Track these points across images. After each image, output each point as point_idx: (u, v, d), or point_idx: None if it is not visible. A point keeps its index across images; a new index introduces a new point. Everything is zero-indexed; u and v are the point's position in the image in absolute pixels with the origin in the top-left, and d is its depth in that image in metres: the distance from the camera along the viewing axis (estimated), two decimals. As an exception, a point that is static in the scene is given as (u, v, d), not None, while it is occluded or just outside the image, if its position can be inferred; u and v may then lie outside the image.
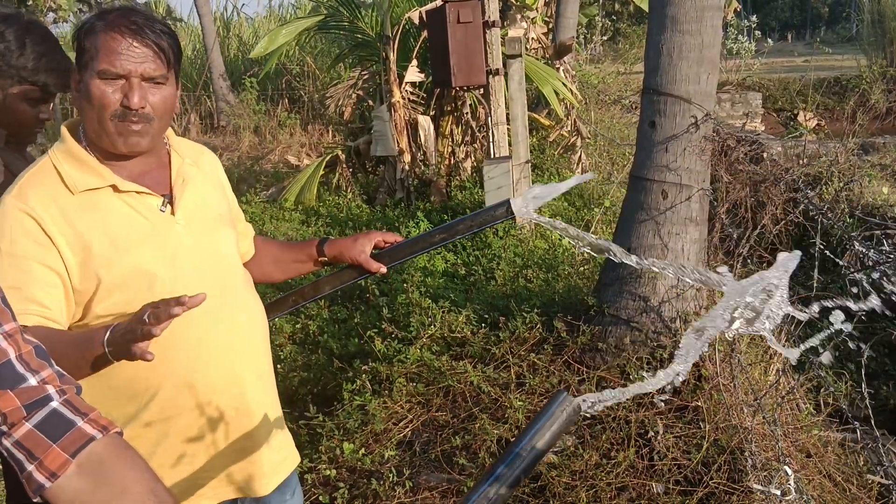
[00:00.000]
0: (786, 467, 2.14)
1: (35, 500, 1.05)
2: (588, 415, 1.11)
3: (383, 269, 1.94)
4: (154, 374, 1.58)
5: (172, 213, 1.65)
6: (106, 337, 1.39)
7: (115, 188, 1.60)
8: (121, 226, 1.58)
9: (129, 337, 1.35)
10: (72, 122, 1.68)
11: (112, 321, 1.49)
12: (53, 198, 1.55)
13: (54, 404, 1.06)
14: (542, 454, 1.18)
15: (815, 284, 2.35)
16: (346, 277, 2.01)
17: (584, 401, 1.11)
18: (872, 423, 2.31)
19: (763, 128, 12.01)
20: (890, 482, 2.49)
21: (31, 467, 1.03)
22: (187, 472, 1.65)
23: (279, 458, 1.81)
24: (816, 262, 2.37)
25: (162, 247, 1.62)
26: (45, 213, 1.53)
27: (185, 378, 1.62)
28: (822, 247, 2.11)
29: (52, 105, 2.07)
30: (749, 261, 2.73)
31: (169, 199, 1.66)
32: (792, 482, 2.19)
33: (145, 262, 1.58)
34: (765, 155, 4.67)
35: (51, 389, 1.07)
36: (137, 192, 1.62)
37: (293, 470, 1.89)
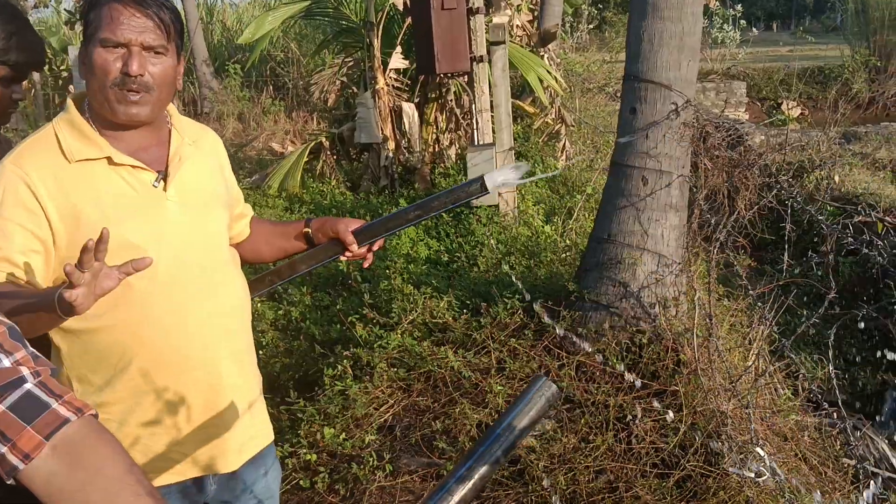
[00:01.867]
0: (758, 449, 2.17)
1: (8, 483, 1.04)
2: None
3: (356, 247, 1.95)
4: (132, 341, 1.63)
5: (165, 189, 1.68)
6: (57, 293, 1.42)
7: (110, 160, 1.63)
8: (112, 197, 1.62)
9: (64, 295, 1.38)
10: (78, 95, 1.71)
11: None
12: (50, 165, 1.59)
13: (28, 386, 1.06)
14: (522, 434, 1.19)
15: (784, 268, 2.37)
16: (322, 256, 2.01)
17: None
18: (841, 405, 2.34)
19: (747, 116, 12.07)
20: (859, 464, 2.53)
21: (4, 449, 1.02)
22: (158, 444, 1.68)
23: (248, 436, 1.82)
24: (787, 247, 2.39)
25: (150, 221, 1.65)
26: (39, 181, 1.57)
27: (161, 351, 1.65)
28: (792, 230, 2.14)
29: (27, 85, 2.05)
30: (726, 246, 2.76)
31: (163, 176, 1.69)
32: (767, 462, 2.22)
33: (132, 235, 1.61)
34: (748, 142, 4.71)
35: (25, 371, 1.06)
36: (132, 167, 1.65)
37: (266, 446, 1.90)
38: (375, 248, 2.00)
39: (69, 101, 1.69)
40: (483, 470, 1.19)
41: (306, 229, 2.00)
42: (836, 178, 6.24)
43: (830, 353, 2.09)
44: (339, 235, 1.95)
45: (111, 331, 1.61)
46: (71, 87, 10.86)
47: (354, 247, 1.94)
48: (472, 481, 1.18)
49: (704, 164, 2.96)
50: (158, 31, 1.62)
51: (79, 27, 12.84)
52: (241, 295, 1.83)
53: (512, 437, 1.21)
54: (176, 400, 1.67)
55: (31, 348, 1.11)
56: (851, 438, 2.60)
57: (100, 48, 1.59)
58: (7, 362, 1.05)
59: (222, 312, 1.74)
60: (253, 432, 1.85)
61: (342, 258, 1.99)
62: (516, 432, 1.20)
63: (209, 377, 1.71)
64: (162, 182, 1.68)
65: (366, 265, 2.04)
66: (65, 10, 12.80)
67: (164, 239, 1.66)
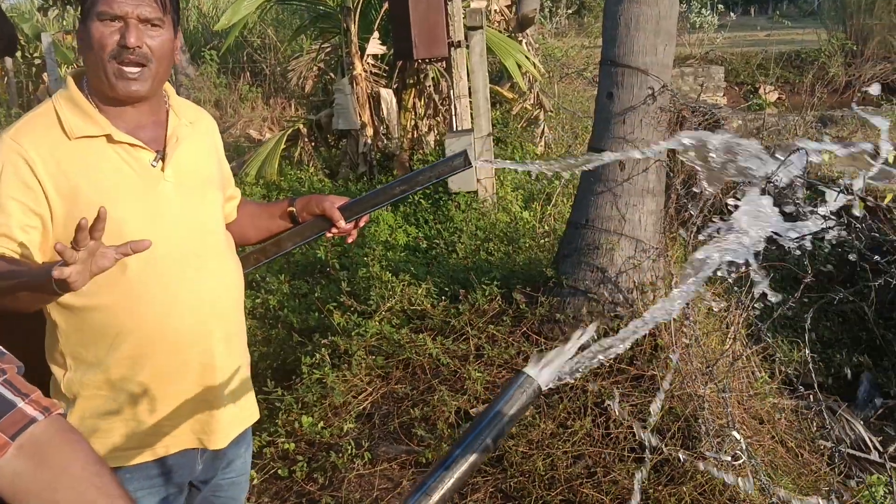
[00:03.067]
0: (734, 433, 2.18)
1: None
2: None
3: (342, 223, 1.95)
4: (126, 320, 1.64)
5: (162, 169, 1.69)
6: (54, 267, 1.43)
7: (109, 138, 1.64)
8: (110, 175, 1.63)
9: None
10: (77, 72, 1.72)
11: None
12: (49, 142, 1.60)
13: None
14: (506, 428, 1.17)
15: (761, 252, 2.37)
16: (308, 232, 2.01)
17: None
18: (816, 387, 2.36)
19: (725, 101, 12.10)
20: (835, 446, 2.55)
21: None
22: (151, 418, 1.70)
23: (235, 415, 1.85)
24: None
25: (147, 200, 1.66)
26: (38, 157, 1.58)
27: (155, 328, 1.66)
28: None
29: None
30: (702, 231, 2.75)
31: (161, 156, 1.70)
32: (743, 446, 2.23)
33: (128, 214, 1.62)
34: (725, 127, 4.71)
35: None
36: (131, 145, 1.66)
37: (249, 426, 1.94)
38: (361, 223, 2.02)
39: (69, 79, 1.69)
40: (462, 469, 1.17)
41: (291, 208, 2.01)
42: (814, 160, 6.26)
43: (807, 337, 2.09)
44: (326, 212, 1.96)
45: (106, 309, 1.62)
46: (44, 75, 10.70)
47: (341, 223, 1.96)
48: (453, 479, 1.16)
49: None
50: (154, 3, 1.62)
51: (52, 13, 12.67)
52: (234, 276, 1.85)
53: (494, 431, 1.19)
54: (168, 378, 1.69)
55: None
56: (828, 420, 2.61)
57: (97, 22, 1.60)
58: None
59: (216, 293, 1.76)
60: (241, 411, 1.87)
61: (328, 234, 2.00)
62: (498, 428, 1.18)
63: (201, 356, 1.73)
64: (160, 162, 1.70)
65: (350, 240, 2.05)
66: (38, -4, 12.59)
67: (160, 219, 1.67)
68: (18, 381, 1.06)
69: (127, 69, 1.62)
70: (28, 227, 1.57)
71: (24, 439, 1.01)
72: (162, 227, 1.66)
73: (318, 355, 3.54)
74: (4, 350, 1.09)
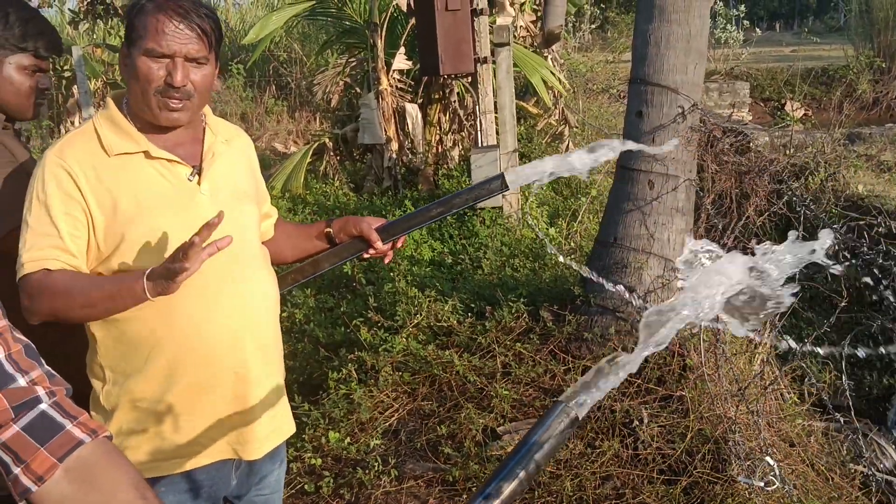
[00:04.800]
0: (768, 458, 2.15)
1: None
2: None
3: (380, 244, 2.00)
4: (162, 331, 1.69)
5: (199, 183, 1.75)
6: (146, 275, 1.54)
7: (147, 154, 1.71)
8: (148, 189, 1.70)
9: (169, 273, 1.51)
10: (116, 94, 1.80)
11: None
12: (90, 158, 1.68)
13: (43, 406, 1.04)
14: (540, 466, 1.15)
15: (797, 276, 2.35)
16: (346, 253, 2.05)
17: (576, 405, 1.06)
18: (853, 412, 2.32)
19: (751, 117, 12.03)
20: (870, 471, 2.51)
21: (17, 470, 1.00)
22: (187, 429, 1.73)
23: (273, 426, 1.87)
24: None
25: (184, 213, 1.71)
26: (80, 171, 1.65)
27: (190, 338, 1.70)
28: (804, 237, 2.12)
29: (48, 74, 2.08)
30: (731, 251, 2.73)
31: (197, 171, 1.76)
32: (776, 471, 2.20)
33: (166, 225, 1.68)
34: (751, 146, 4.69)
35: (40, 391, 1.05)
36: (168, 161, 1.73)
37: (284, 440, 1.96)
38: (399, 244, 2.06)
39: (109, 100, 1.77)
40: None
41: (328, 229, 2.06)
42: (841, 181, 6.21)
43: (843, 364, 2.07)
44: (364, 233, 2.00)
45: (143, 319, 1.67)
46: (74, 88, 10.83)
47: (379, 244, 2.00)
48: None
49: (712, 169, 2.95)
50: (201, 41, 1.68)
51: (83, 26, 12.85)
52: (269, 288, 1.88)
53: (532, 465, 1.17)
54: (203, 388, 1.72)
55: (47, 367, 1.10)
56: (863, 448, 2.57)
57: (144, 57, 1.66)
58: (23, 381, 1.04)
59: (250, 305, 1.79)
60: (276, 424, 1.89)
61: (365, 255, 2.04)
62: (536, 461, 1.17)
63: (236, 367, 1.75)
64: (196, 176, 1.75)
65: (386, 261, 2.10)
66: (69, 10, 12.79)
67: (196, 230, 1.70)
68: (67, 403, 1.08)
69: (171, 102, 1.68)
70: (75, 237, 1.65)
71: (71, 462, 1.02)
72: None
73: (344, 370, 3.55)
74: (54, 372, 1.11)
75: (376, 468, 3.07)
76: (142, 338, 1.69)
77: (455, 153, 7.17)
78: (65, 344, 1.76)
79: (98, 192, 1.66)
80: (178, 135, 1.76)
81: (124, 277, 1.60)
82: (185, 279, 1.51)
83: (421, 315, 3.80)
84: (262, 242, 2.02)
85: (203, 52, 1.69)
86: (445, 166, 7.08)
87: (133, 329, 1.68)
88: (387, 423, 3.35)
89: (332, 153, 7.72)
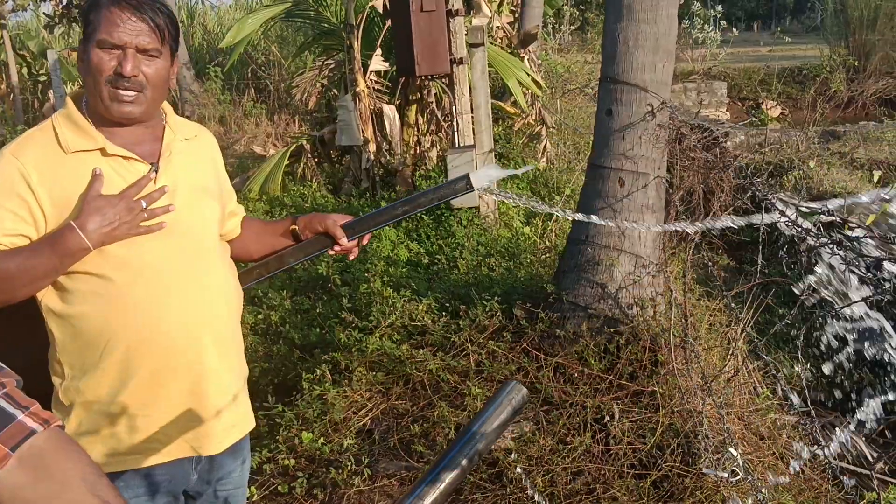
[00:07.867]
0: (731, 449, 2.17)
1: None
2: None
3: (345, 241, 2.02)
4: (116, 326, 1.70)
5: (155, 181, 1.76)
6: (82, 229, 1.62)
7: (103, 151, 1.72)
8: (104, 186, 1.70)
9: (125, 223, 1.64)
10: (76, 93, 1.82)
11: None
12: (46, 155, 1.70)
13: None
14: (494, 439, 1.20)
15: (758, 269, 2.39)
16: (311, 249, 2.07)
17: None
18: (814, 403, 2.36)
19: (728, 116, 12.12)
20: (837, 462, 2.54)
21: None
22: (143, 427, 1.74)
23: (230, 423, 1.87)
24: (760, 249, 2.42)
25: None
26: (35, 170, 1.67)
27: (144, 333, 1.71)
28: (767, 232, 2.16)
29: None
30: (700, 247, 2.77)
31: (155, 168, 1.77)
32: (740, 463, 2.23)
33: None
34: (724, 144, 4.72)
35: None
36: (125, 158, 1.74)
37: (245, 435, 1.96)
38: (364, 241, 2.08)
39: (68, 99, 1.78)
40: (452, 475, 1.20)
41: (293, 226, 2.08)
42: (815, 178, 6.28)
43: (798, 354, 2.10)
44: (329, 230, 2.02)
45: (95, 316, 1.69)
46: (50, 92, 10.76)
47: (344, 240, 2.02)
48: (443, 485, 1.20)
49: (679, 165, 2.97)
50: (153, 34, 1.71)
51: (58, 30, 12.76)
52: (226, 283, 1.89)
53: (483, 441, 1.22)
54: (161, 383, 1.73)
55: None
56: (829, 436, 2.60)
57: (97, 48, 1.68)
58: None
59: (206, 299, 1.80)
60: (235, 419, 1.89)
61: (330, 252, 2.05)
62: (486, 436, 1.21)
63: (192, 360, 1.76)
64: (154, 174, 1.76)
65: (352, 258, 2.12)
66: (44, 13, 12.69)
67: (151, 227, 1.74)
68: (18, 394, 1.07)
69: (122, 92, 1.70)
70: (18, 235, 1.65)
71: (23, 451, 1.02)
72: (151, 234, 1.73)
73: (318, 371, 3.55)
74: (3, 365, 1.11)
75: (349, 468, 3.07)
76: (96, 334, 1.70)
77: (433, 154, 7.18)
78: (28, 341, 1.76)
79: (52, 189, 1.67)
80: (137, 133, 1.78)
81: (56, 241, 1.64)
82: (129, 231, 1.62)
83: (395, 315, 3.80)
84: (230, 240, 2.04)
85: (155, 45, 1.71)
86: (423, 167, 7.08)
87: (86, 325, 1.70)
88: (360, 423, 3.36)
89: (309, 155, 7.71)
